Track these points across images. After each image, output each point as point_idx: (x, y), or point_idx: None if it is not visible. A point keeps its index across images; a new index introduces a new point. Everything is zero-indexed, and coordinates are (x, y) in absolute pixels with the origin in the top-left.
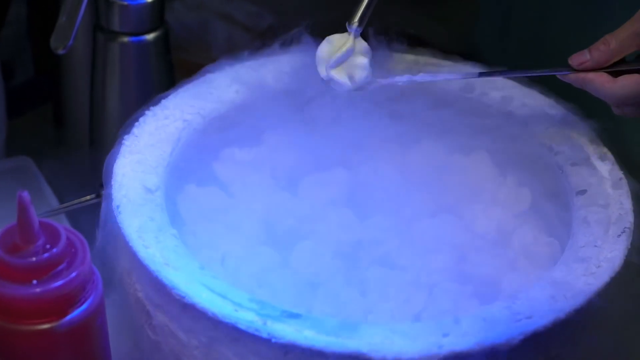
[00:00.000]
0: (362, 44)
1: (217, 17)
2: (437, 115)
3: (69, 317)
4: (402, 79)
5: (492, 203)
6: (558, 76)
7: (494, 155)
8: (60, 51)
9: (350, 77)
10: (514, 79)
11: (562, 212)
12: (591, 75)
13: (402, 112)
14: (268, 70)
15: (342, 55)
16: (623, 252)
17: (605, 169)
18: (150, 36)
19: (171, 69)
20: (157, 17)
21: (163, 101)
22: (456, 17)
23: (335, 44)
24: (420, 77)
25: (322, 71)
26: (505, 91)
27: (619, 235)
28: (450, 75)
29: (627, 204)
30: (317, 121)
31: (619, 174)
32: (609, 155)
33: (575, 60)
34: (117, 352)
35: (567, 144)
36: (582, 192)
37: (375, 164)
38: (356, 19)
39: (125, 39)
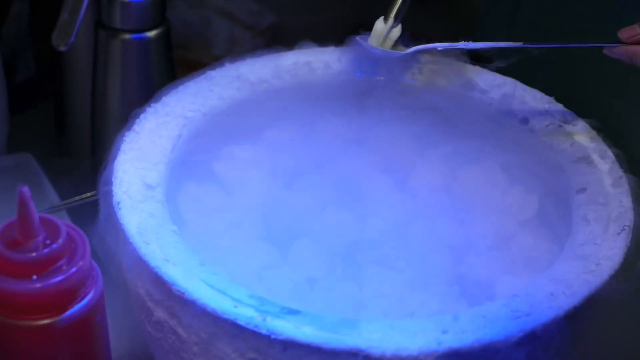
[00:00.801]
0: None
1: (219, 14)
2: (437, 114)
3: (68, 312)
4: (442, 45)
5: (494, 206)
6: (605, 51)
7: (494, 154)
8: (62, 48)
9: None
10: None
11: (562, 210)
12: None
13: (404, 110)
14: (269, 68)
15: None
16: (622, 250)
17: (605, 167)
18: (151, 33)
19: (172, 66)
20: (158, 14)
21: (164, 98)
22: (458, 14)
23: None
24: (462, 44)
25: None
26: (506, 89)
27: (619, 233)
28: (492, 44)
29: (627, 202)
30: (319, 119)
31: (619, 172)
32: (609, 153)
33: (625, 33)
34: (117, 348)
35: (567, 142)
36: (582, 190)
37: (376, 164)
38: (392, 15)
39: (127, 36)
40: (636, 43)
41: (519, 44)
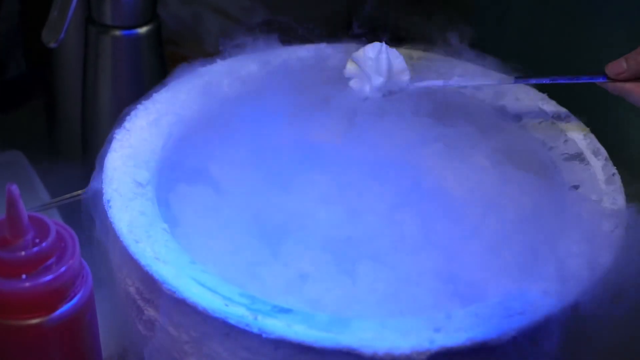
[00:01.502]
0: (392, 50)
1: (210, 10)
2: (430, 111)
3: (58, 311)
4: (437, 84)
5: (486, 204)
6: (597, 83)
7: (487, 151)
8: (52, 45)
9: (391, 82)
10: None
11: (556, 207)
12: (629, 86)
13: (397, 108)
14: (261, 65)
15: (383, 65)
16: (616, 248)
17: (598, 164)
18: (142, 30)
19: (163, 62)
20: (149, 10)
21: (155, 95)
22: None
23: (366, 56)
24: (455, 82)
25: (365, 85)
26: (499, 86)
27: (612, 231)
28: (485, 81)
29: (620, 199)
30: (312, 115)
31: (612, 169)
32: (602, 150)
33: (611, 70)
34: (107, 347)
35: (560, 139)
36: (575, 187)
37: (369, 162)
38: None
39: (117, 32)
40: (624, 80)
41: (511, 81)
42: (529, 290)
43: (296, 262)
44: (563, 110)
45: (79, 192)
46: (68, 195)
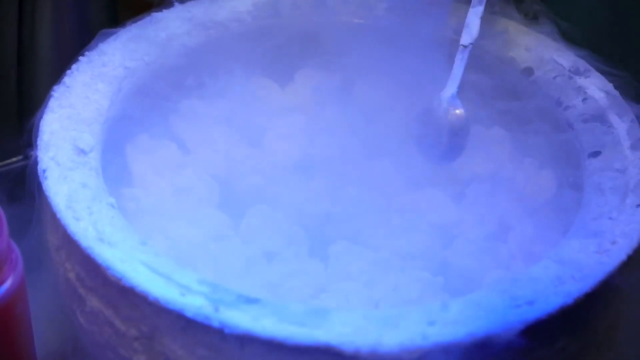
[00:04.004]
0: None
1: None
2: (429, 63)
3: None
4: None
5: (489, 179)
6: None
7: (491, 113)
8: None
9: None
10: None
11: (572, 177)
12: None
13: (390, 55)
14: (227, 9)
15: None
16: None
17: (623, 127)
18: None
19: (114, 7)
20: None
21: (101, 45)
22: None
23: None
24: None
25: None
26: (506, 34)
27: (638, 206)
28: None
29: None
30: (288, 69)
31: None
32: (629, 110)
33: None
34: (43, 344)
35: (579, 97)
36: (595, 153)
37: (358, 122)
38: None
39: None
40: None
41: None
42: (540, 276)
43: (260, 238)
44: (582, 62)
45: (13, 159)
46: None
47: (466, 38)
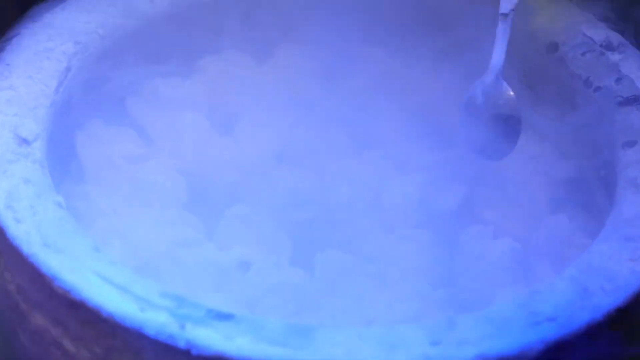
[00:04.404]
0: None
1: None
2: (437, 36)
3: None
4: None
5: (507, 170)
6: None
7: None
8: None
9: None
10: None
11: (602, 170)
12: None
13: (386, 27)
14: None
15: None
16: None
17: None
18: None
19: None
20: None
21: (46, 15)
22: None
23: None
24: None
25: None
26: (526, 1)
27: None
28: None
29: None
30: (267, 42)
31: None
32: None
33: None
34: None
35: (611, 77)
36: (631, 143)
37: (349, 106)
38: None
39: None
40: None
41: None
42: (564, 287)
43: (235, 244)
44: (615, 36)
45: None
46: None
47: (505, 4)
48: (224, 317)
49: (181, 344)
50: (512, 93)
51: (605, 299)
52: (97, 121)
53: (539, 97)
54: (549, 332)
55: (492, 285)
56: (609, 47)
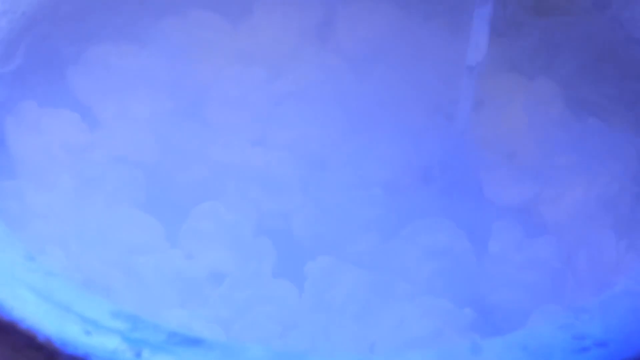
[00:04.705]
0: None
1: None
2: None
3: None
4: None
5: (554, 174)
6: None
7: (538, 59)
8: None
9: None
10: None
11: None
12: None
13: None
14: None
15: None
16: None
17: None
18: None
19: None
20: None
21: None
22: None
23: None
24: None
25: None
26: None
27: None
28: None
29: None
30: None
31: None
32: None
33: None
34: None
35: None
36: None
37: (343, 78)
38: None
39: None
40: None
41: None
42: (618, 304)
43: (206, 251)
44: None
45: None
46: None
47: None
48: (190, 342)
49: None
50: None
51: None
52: (30, 102)
53: (577, 63)
54: None
55: (526, 303)
56: None
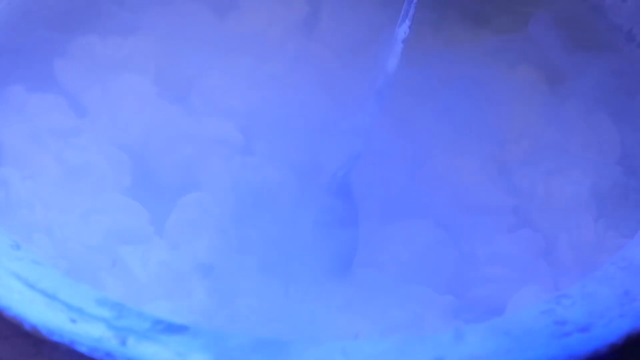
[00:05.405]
0: None
1: None
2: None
3: None
4: None
5: (555, 170)
6: None
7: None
8: None
9: None
10: None
11: None
12: None
13: None
14: None
15: None
16: None
17: None
18: None
19: None
20: None
21: None
22: None
23: None
24: None
25: None
26: None
27: None
28: None
29: None
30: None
31: None
32: None
33: None
34: None
35: None
36: None
37: (329, 65)
38: None
39: None
40: None
41: None
42: (599, 290)
43: (192, 241)
44: None
45: None
46: None
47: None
48: (175, 329)
49: None
50: None
51: None
52: (17, 88)
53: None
54: (580, 345)
55: (508, 288)
56: None
